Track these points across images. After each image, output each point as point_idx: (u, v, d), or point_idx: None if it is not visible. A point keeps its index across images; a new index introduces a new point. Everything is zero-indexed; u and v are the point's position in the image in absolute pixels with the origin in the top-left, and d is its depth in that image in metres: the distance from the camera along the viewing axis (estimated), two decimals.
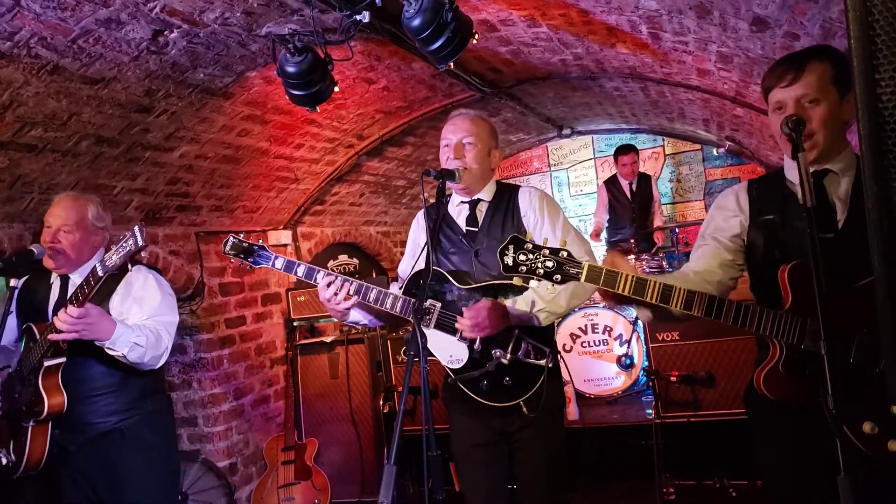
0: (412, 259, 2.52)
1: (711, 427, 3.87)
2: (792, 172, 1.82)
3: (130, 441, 2.57)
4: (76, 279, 2.61)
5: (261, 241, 2.51)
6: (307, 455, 4.32)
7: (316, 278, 2.35)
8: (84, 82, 2.62)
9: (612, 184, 6.19)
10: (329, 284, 2.30)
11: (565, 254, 1.66)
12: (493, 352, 2.22)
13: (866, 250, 0.84)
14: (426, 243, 2.20)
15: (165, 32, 2.51)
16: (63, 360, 2.44)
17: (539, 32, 3.33)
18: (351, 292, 2.30)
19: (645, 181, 6.12)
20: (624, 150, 5.98)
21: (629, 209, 5.99)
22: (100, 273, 2.24)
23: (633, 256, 5.36)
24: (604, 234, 6.28)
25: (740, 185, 1.95)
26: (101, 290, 2.45)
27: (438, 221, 2.22)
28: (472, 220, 2.43)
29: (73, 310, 2.26)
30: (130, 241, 2.16)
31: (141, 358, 2.45)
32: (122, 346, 2.39)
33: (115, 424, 2.55)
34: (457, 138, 2.38)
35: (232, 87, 3.16)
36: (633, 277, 1.64)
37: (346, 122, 4.25)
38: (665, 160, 7.06)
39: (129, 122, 3.00)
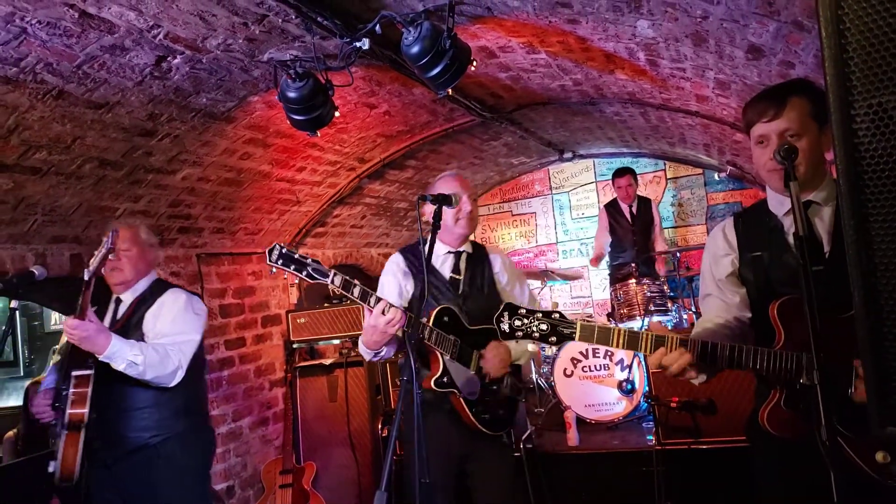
0: (398, 297, 2.57)
1: (713, 455, 3.82)
2: (776, 204, 1.84)
3: (163, 458, 2.63)
4: (127, 298, 2.76)
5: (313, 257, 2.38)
6: (305, 479, 4.28)
7: (369, 301, 2.24)
8: (88, 107, 2.66)
9: (612, 207, 6.20)
10: (383, 310, 2.23)
11: (557, 315, 1.75)
12: (492, 387, 2.52)
13: None
14: (421, 286, 2.38)
15: (168, 58, 2.56)
16: (91, 371, 2.50)
17: (538, 59, 3.37)
18: (400, 321, 2.23)
19: (645, 204, 6.13)
20: (620, 173, 6.01)
21: (630, 232, 5.98)
22: (85, 278, 2.41)
23: (633, 281, 5.34)
24: (605, 260, 6.27)
25: (726, 220, 1.98)
26: (139, 310, 2.73)
27: (430, 250, 2.21)
28: (455, 269, 2.63)
29: (69, 320, 2.37)
30: (105, 247, 2.36)
31: (141, 375, 2.50)
32: (118, 361, 2.45)
33: (146, 440, 2.62)
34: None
35: (234, 112, 3.19)
36: (625, 332, 1.72)
37: (348, 146, 4.28)
38: (667, 184, 7.07)
39: (132, 145, 3.03)
